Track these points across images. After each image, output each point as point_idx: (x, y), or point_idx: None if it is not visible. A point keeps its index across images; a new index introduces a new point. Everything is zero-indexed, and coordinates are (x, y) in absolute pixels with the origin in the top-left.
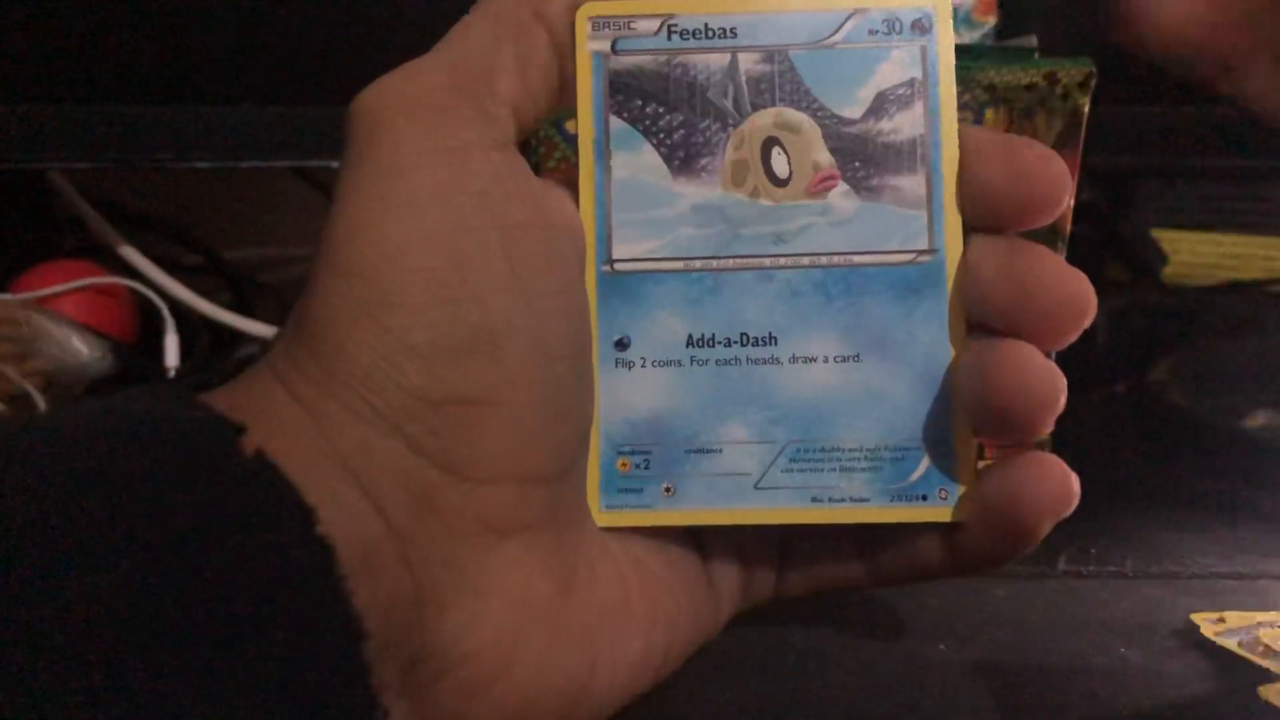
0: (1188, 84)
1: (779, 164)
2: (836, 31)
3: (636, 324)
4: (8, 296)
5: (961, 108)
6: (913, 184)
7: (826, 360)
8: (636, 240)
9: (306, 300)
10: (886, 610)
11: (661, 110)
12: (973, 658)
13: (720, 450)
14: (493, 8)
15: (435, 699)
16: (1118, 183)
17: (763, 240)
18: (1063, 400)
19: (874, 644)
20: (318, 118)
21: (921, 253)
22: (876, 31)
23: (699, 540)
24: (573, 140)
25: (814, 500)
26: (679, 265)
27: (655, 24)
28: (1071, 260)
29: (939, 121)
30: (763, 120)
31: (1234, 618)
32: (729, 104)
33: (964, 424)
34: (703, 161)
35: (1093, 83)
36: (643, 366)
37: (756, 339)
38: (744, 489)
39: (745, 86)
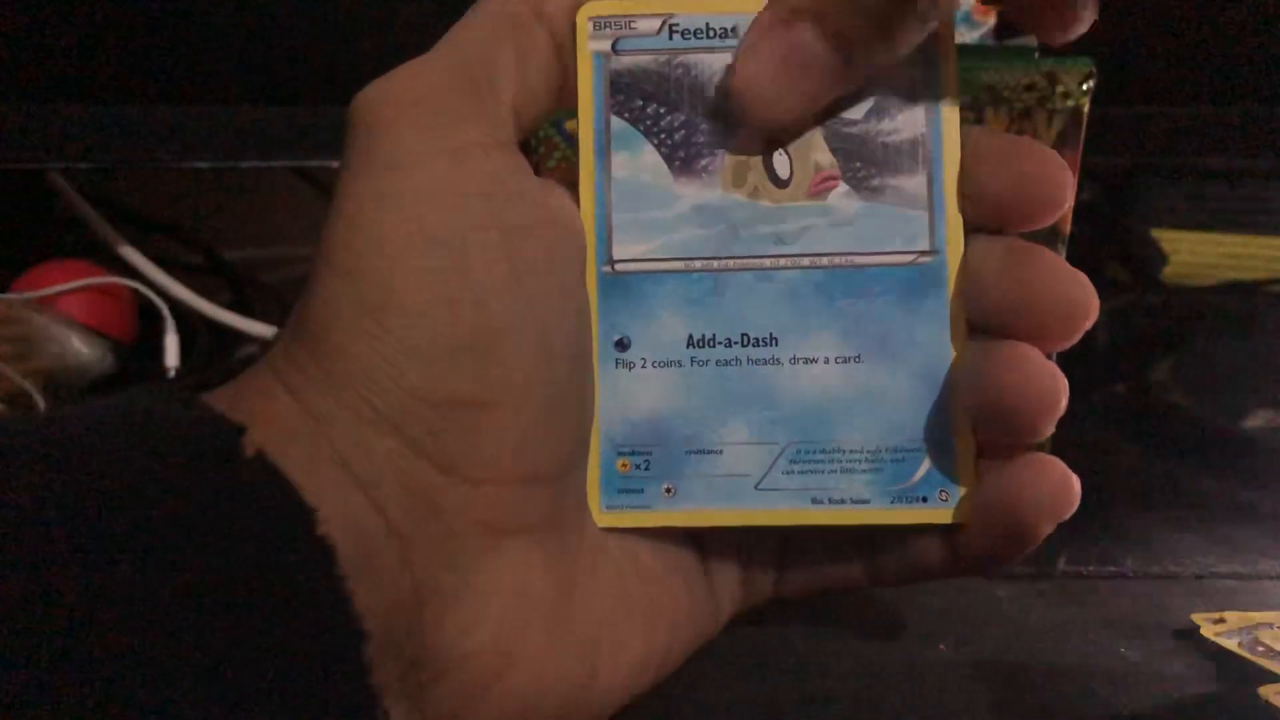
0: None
1: (780, 164)
2: None
3: (637, 324)
4: (8, 296)
5: (962, 108)
6: (914, 184)
7: (827, 361)
8: (637, 240)
9: (306, 300)
10: (886, 610)
11: (662, 110)
12: (973, 658)
13: (721, 451)
14: (493, 7)
15: (435, 700)
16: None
17: (763, 241)
18: (1064, 402)
19: (874, 644)
20: (318, 118)
21: (923, 254)
22: None
23: (699, 541)
24: (573, 140)
25: (814, 501)
26: (679, 265)
27: (656, 24)
28: (1071, 260)
29: (940, 122)
30: None
31: (1234, 618)
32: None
33: (965, 426)
34: (703, 162)
35: (1093, 83)
36: (643, 367)
37: (757, 339)
38: (744, 490)
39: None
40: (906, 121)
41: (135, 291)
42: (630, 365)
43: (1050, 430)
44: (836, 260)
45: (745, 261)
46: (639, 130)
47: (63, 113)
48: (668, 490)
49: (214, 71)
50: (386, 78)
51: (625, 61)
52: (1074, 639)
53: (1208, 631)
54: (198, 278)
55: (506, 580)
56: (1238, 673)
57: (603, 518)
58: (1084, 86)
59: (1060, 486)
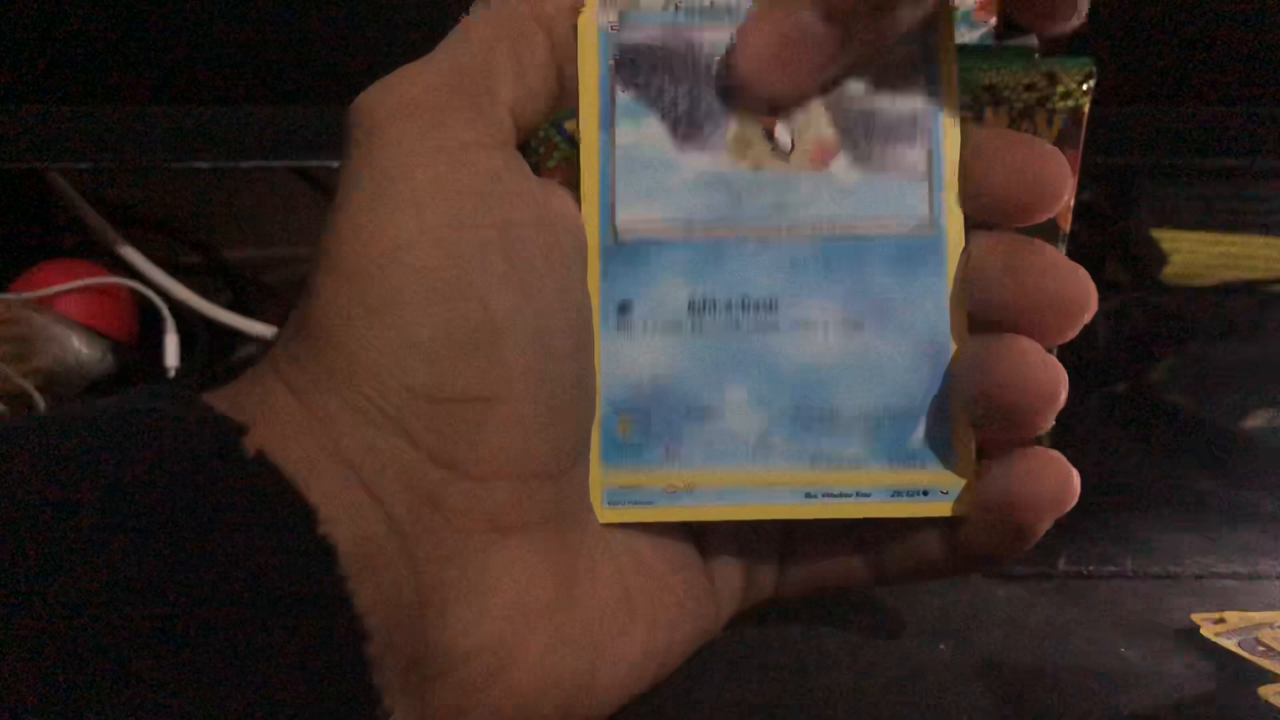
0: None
1: (782, 136)
2: None
3: (639, 289)
4: (8, 296)
5: (962, 107)
6: (914, 157)
7: (826, 326)
8: (640, 208)
9: (307, 299)
10: (886, 610)
11: (666, 83)
12: (973, 658)
13: (720, 412)
14: (492, 10)
15: (436, 697)
16: (1118, 183)
17: (765, 209)
18: (1063, 395)
19: (874, 644)
20: (318, 118)
21: (921, 224)
22: None
23: (700, 539)
24: (572, 140)
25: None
26: (682, 232)
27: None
28: (1071, 259)
29: (940, 97)
30: None
31: (1234, 618)
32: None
33: (964, 419)
34: (706, 133)
35: (1093, 83)
36: (644, 331)
37: (757, 304)
38: (743, 450)
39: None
40: (907, 96)
41: (135, 291)
42: (631, 328)
43: (1050, 424)
44: (837, 228)
45: (747, 228)
46: (643, 103)
47: (63, 113)
48: (667, 449)
49: (214, 71)
50: (385, 80)
51: (630, 36)
52: (1074, 639)
53: (1208, 631)
54: (198, 278)
55: (508, 578)
56: (1238, 673)
57: (605, 513)
58: (1084, 86)
59: (1060, 480)
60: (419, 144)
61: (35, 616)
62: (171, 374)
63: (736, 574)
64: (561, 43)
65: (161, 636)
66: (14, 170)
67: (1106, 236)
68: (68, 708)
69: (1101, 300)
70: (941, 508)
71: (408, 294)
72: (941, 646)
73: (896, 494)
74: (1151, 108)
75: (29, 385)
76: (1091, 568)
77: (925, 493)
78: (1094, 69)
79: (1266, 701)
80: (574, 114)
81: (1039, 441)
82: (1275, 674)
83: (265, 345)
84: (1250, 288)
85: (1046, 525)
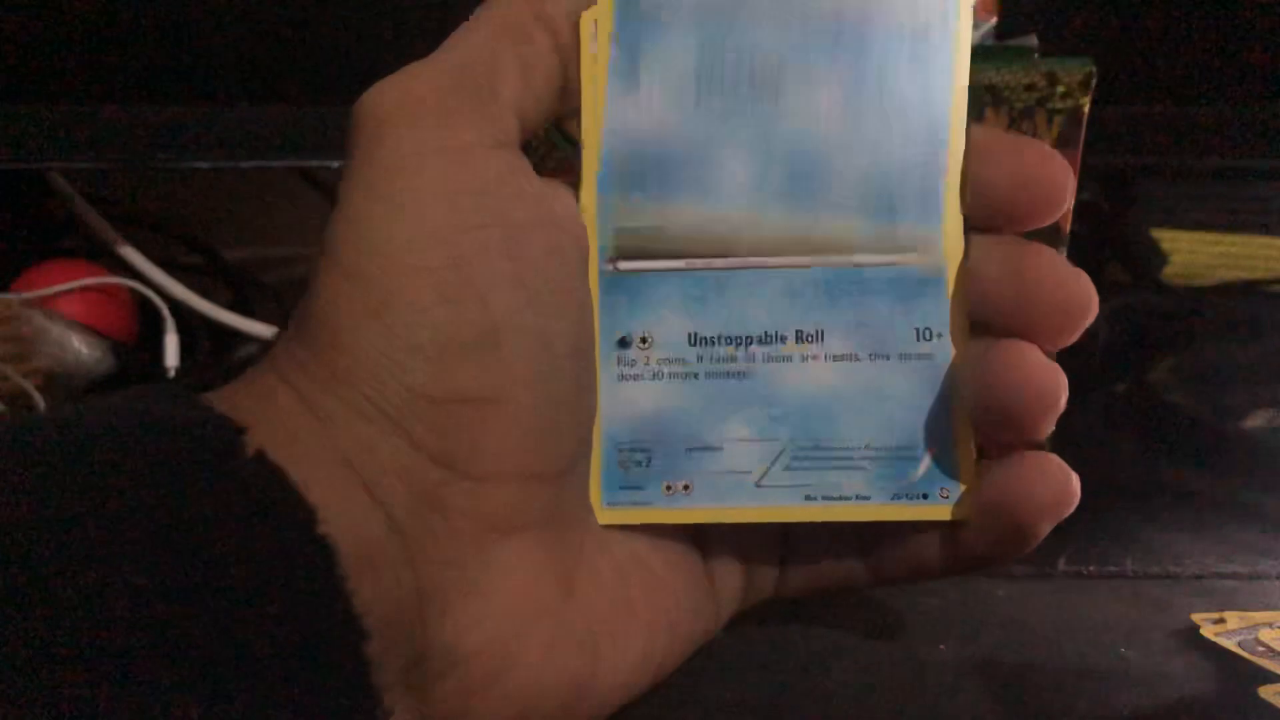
0: None
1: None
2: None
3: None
4: (8, 296)
5: None
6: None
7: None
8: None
9: (309, 300)
10: (886, 610)
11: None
12: (973, 658)
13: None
14: (495, 11)
15: (437, 698)
16: (1118, 183)
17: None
18: (1064, 400)
19: (874, 644)
20: (318, 118)
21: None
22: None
23: (700, 539)
24: (572, 141)
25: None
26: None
27: None
28: (1071, 260)
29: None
30: None
31: (1234, 618)
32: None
33: (965, 423)
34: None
35: (1093, 83)
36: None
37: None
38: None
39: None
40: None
41: (135, 291)
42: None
43: (1050, 428)
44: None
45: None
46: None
47: (63, 113)
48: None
49: (214, 71)
50: (388, 81)
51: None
52: (1074, 639)
53: (1208, 631)
54: (198, 278)
55: (508, 578)
56: (1238, 673)
57: (604, 514)
58: (1084, 86)
59: (1060, 484)
60: (422, 144)
61: (34, 618)
62: (171, 374)
63: (736, 574)
64: (565, 43)
65: (160, 637)
66: (14, 170)
67: (1106, 236)
68: (67, 709)
69: (1101, 300)
70: (941, 511)
71: (409, 294)
72: (941, 646)
73: (896, 497)
74: (1151, 108)
75: (29, 385)
76: (1091, 568)
77: (925, 496)
78: (1094, 69)
79: (1266, 701)
80: (576, 114)
81: (1040, 445)
82: (1275, 674)
83: (265, 345)
84: (1250, 288)
85: (1046, 529)
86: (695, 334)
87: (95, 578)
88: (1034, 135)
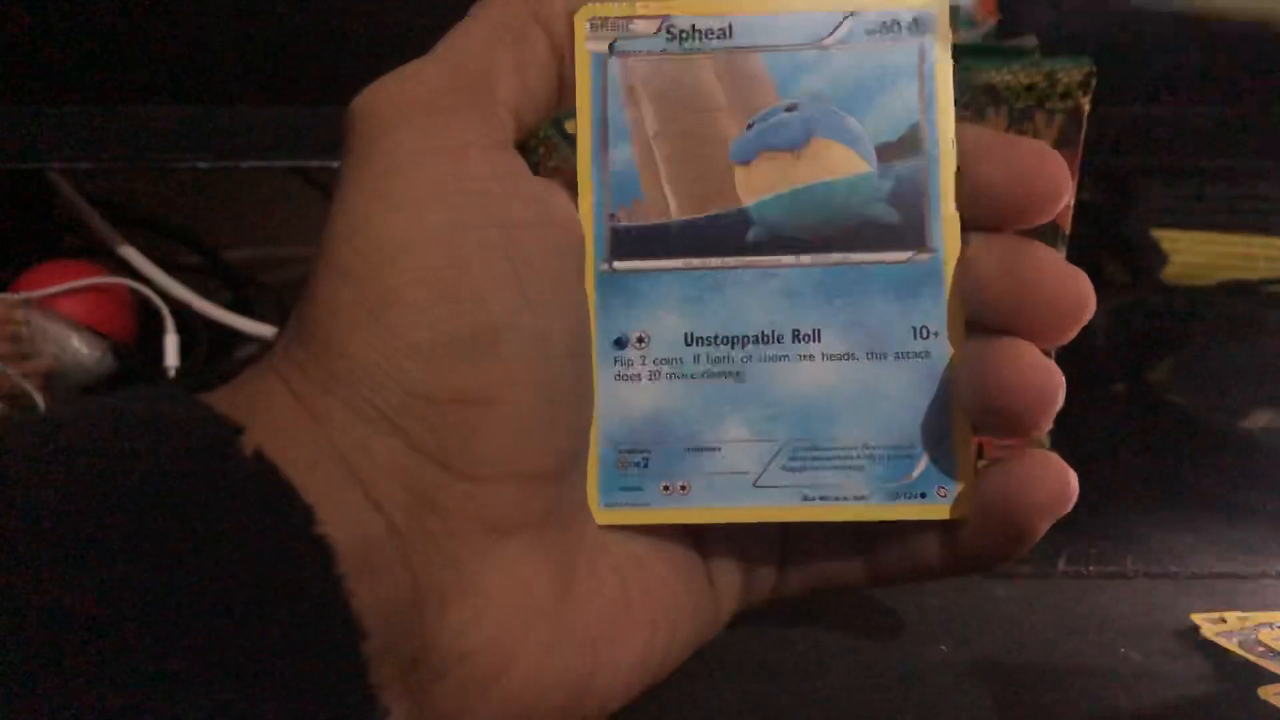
0: None
1: None
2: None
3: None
4: (8, 296)
5: (962, 108)
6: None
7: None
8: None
9: (307, 300)
10: (886, 610)
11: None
12: (973, 658)
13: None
14: (491, 10)
15: (435, 698)
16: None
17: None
18: (1061, 398)
19: (874, 644)
20: (318, 118)
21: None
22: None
23: (699, 539)
24: (572, 141)
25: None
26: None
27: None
28: (1071, 260)
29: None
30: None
31: (1234, 618)
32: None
33: (963, 422)
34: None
35: (1093, 83)
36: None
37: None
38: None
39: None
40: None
41: (135, 291)
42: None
43: (1047, 426)
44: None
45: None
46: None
47: (63, 113)
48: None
49: (214, 71)
50: (384, 80)
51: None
52: (1074, 639)
53: (1208, 631)
54: (198, 278)
55: (506, 578)
56: (1238, 673)
57: (602, 515)
58: (1084, 86)
59: (1059, 483)
60: (418, 144)
61: (32, 618)
62: (171, 374)
63: (736, 574)
64: (561, 43)
65: (158, 637)
66: (14, 170)
67: (1106, 236)
68: (67, 709)
69: (1101, 300)
70: (940, 510)
71: (407, 295)
72: (942, 646)
73: (894, 496)
74: (1151, 108)
75: (29, 385)
76: (1091, 568)
77: (923, 495)
78: (1094, 69)
79: (1266, 701)
80: (574, 114)
81: (1040, 443)
82: (1275, 674)
83: (265, 345)
84: (1250, 288)
85: (1045, 528)
86: (692, 334)
87: (89, 579)
88: (1034, 135)
